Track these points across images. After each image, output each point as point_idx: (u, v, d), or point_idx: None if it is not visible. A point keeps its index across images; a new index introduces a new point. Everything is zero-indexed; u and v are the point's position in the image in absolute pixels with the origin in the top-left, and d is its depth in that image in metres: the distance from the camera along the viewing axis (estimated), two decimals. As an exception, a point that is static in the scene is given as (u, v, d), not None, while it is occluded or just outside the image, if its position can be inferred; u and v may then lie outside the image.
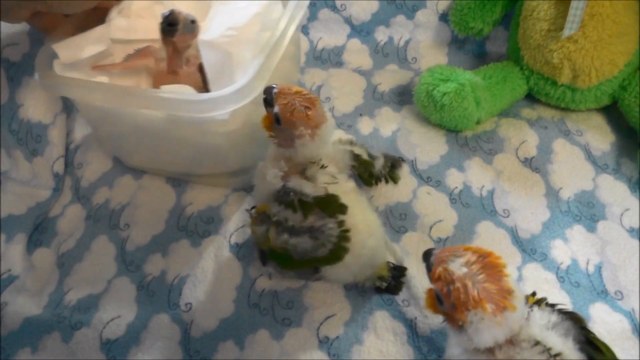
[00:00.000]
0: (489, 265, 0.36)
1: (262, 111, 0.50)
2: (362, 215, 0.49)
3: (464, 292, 0.36)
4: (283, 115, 0.47)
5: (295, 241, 0.48)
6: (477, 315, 0.35)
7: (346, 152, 0.53)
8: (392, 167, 0.59)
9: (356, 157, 0.53)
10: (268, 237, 0.49)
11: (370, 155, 0.56)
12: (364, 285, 0.54)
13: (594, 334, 0.40)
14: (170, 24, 0.56)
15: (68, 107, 0.69)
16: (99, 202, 0.65)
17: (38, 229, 0.63)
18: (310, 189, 0.48)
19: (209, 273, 0.58)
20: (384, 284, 0.54)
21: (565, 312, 0.41)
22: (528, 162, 0.65)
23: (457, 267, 0.36)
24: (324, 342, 0.53)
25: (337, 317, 0.54)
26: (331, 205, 0.48)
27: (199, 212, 0.62)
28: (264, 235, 0.49)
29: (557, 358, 0.37)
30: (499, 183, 0.64)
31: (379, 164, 0.57)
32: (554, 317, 0.40)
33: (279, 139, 0.49)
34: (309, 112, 0.47)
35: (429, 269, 0.39)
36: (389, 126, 0.70)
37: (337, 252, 0.48)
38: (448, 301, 0.37)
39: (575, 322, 0.40)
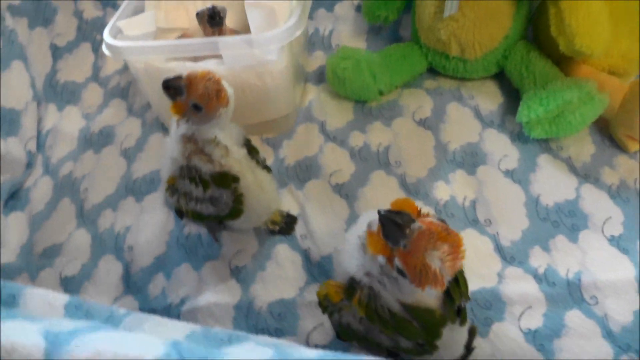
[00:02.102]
0: (455, 252, 0.39)
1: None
2: (253, 177, 0.58)
3: (434, 281, 0.38)
4: (203, 102, 0.50)
5: (200, 207, 0.57)
6: (434, 289, 0.39)
7: (239, 128, 0.58)
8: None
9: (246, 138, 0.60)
10: (180, 204, 0.58)
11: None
12: (260, 228, 0.65)
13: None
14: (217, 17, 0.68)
15: (37, 96, 0.82)
16: (64, 173, 0.76)
17: (13, 196, 0.75)
18: (207, 167, 0.54)
19: (149, 223, 0.69)
20: (277, 227, 0.65)
21: None
22: (422, 123, 0.75)
23: (434, 261, 0.38)
24: (234, 271, 0.63)
25: (246, 251, 0.64)
26: (224, 180, 0.55)
27: (144, 176, 0.74)
28: (177, 202, 0.58)
29: None
30: (394, 141, 0.73)
31: (261, 156, 0.61)
32: None
33: (193, 120, 0.53)
34: (223, 95, 0.51)
35: (394, 239, 0.40)
36: (307, 98, 0.80)
37: (236, 211, 0.57)
38: (414, 279, 0.39)
39: None
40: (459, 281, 0.46)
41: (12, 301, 0.51)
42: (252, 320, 0.60)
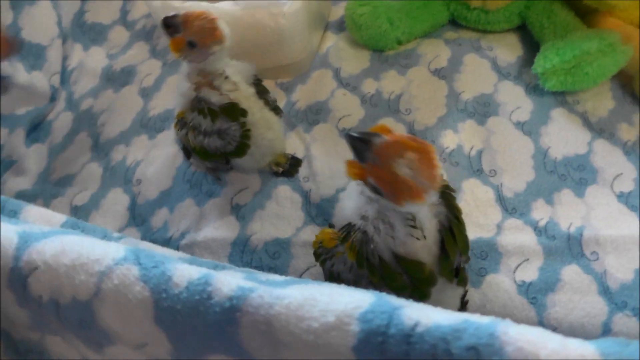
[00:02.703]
0: (426, 159, 0.39)
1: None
2: (260, 114, 0.59)
3: (407, 191, 0.38)
4: (198, 40, 0.52)
5: (208, 141, 0.58)
6: (412, 202, 0.39)
7: (249, 67, 0.59)
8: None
9: (256, 77, 0.60)
10: (188, 138, 0.59)
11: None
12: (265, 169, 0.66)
13: (457, 219, 0.45)
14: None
15: (64, 34, 0.85)
16: (84, 108, 0.79)
17: (36, 128, 0.78)
18: (216, 99, 0.56)
19: (158, 158, 0.70)
20: (281, 169, 0.66)
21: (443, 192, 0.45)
22: (437, 72, 0.73)
23: (402, 169, 0.38)
24: (235, 208, 0.64)
25: (248, 190, 0.65)
26: (233, 112, 0.57)
27: (158, 114, 0.75)
28: (185, 136, 0.59)
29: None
30: (407, 89, 0.72)
31: (271, 96, 0.62)
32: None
33: (190, 58, 0.54)
34: (217, 32, 0.53)
35: (361, 154, 0.40)
36: (325, 45, 0.80)
37: (242, 147, 0.59)
38: (389, 194, 0.39)
39: (449, 200, 0.46)
40: (455, 236, 0.45)
41: (13, 215, 0.53)
42: (247, 257, 0.61)
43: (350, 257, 0.45)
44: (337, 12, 0.84)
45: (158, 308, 0.36)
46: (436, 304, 0.44)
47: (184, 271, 0.37)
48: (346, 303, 0.33)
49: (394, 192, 0.39)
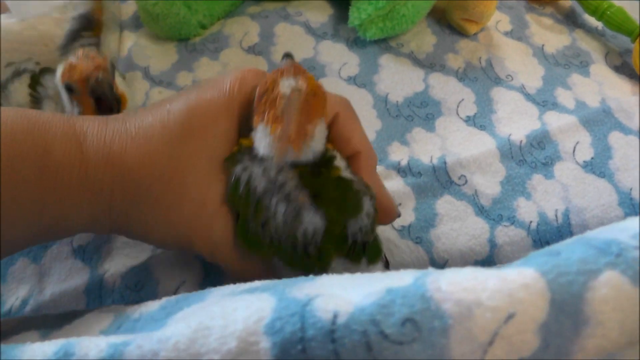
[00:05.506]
0: (312, 103, 0.39)
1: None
2: None
3: (268, 106, 0.39)
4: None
5: None
6: (265, 130, 0.39)
7: None
8: None
9: None
10: None
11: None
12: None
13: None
14: None
15: None
16: None
17: None
18: None
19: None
20: None
21: None
22: (252, 49, 0.75)
23: (285, 85, 0.39)
24: (78, 251, 0.59)
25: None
26: None
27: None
28: None
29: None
30: (225, 73, 0.72)
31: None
32: None
33: None
34: None
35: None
36: (126, 46, 0.77)
37: None
38: (257, 102, 0.40)
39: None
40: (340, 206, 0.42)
41: None
42: (107, 300, 0.57)
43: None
44: (128, 9, 0.83)
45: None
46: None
47: (35, 350, 0.32)
48: (245, 319, 0.30)
49: (262, 103, 0.39)
